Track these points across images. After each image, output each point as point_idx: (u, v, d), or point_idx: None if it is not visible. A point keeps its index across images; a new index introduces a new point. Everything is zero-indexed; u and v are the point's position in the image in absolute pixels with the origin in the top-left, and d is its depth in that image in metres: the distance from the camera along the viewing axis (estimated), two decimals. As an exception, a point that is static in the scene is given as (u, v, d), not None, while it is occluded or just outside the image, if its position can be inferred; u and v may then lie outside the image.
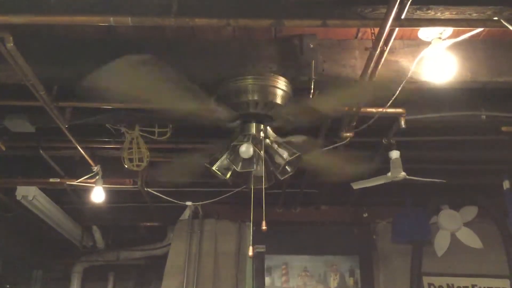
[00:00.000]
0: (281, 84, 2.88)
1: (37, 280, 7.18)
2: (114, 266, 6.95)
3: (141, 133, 3.98)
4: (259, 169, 2.82)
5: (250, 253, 2.93)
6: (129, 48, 2.20)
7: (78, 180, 4.69)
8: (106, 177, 4.67)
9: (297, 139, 3.03)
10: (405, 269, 5.62)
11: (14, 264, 6.76)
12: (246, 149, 2.73)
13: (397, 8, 2.38)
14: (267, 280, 5.83)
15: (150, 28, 2.96)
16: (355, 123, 3.60)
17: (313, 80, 2.96)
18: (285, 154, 2.85)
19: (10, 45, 2.64)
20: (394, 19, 2.44)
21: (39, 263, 7.06)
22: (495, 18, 2.61)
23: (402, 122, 3.53)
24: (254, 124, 2.91)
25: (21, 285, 7.04)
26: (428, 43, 2.92)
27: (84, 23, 2.84)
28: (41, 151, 4.31)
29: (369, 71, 2.84)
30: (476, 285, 5.59)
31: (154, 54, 2.24)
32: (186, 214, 5.96)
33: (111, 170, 4.64)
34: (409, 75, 2.98)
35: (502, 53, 3.11)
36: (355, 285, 5.83)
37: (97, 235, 6.57)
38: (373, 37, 2.90)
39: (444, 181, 4.42)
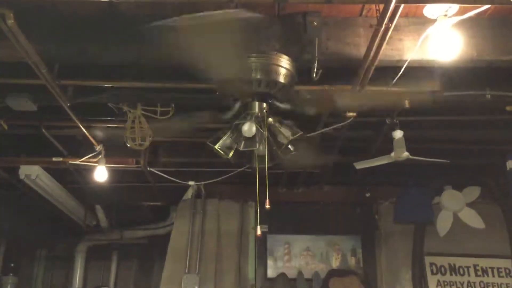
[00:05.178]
0: (284, 63, 2.83)
1: (41, 259, 7.23)
2: (117, 245, 6.98)
3: (143, 112, 3.97)
4: (262, 148, 2.81)
5: (258, 232, 2.94)
6: (130, 26, 2.17)
7: (81, 159, 4.70)
8: (109, 157, 4.67)
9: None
10: (407, 249, 5.65)
11: (18, 243, 6.82)
12: (249, 128, 2.72)
13: (402, -16, 2.35)
14: (270, 259, 5.87)
15: (151, 5, 2.93)
16: (359, 102, 3.58)
17: (317, 58, 2.93)
18: (288, 133, 2.84)
19: (11, 21, 2.62)
20: (400, -5, 2.41)
21: (43, 242, 7.09)
22: (502, -5, 2.58)
23: (406, 102, 3.50)
24: (256, 103, 2.88)
25: (25, 264, 7.09)
26: (434, 21, 2.88)
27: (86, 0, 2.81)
28: (43, 130, 4.30)
29: (374, 48, 2.81)
30: (478, 265, 5.61)
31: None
32: (189, 194, 5.97)
33: (114, 149, 4.64)
34: (413, 53, 2.95)
35: (508, 31, 3.07)
36: (357, 264, 5.86)
37: (100, 214, 6.59)
38: (377, 14, 2.85)
39: (447, 161, 4.41)
